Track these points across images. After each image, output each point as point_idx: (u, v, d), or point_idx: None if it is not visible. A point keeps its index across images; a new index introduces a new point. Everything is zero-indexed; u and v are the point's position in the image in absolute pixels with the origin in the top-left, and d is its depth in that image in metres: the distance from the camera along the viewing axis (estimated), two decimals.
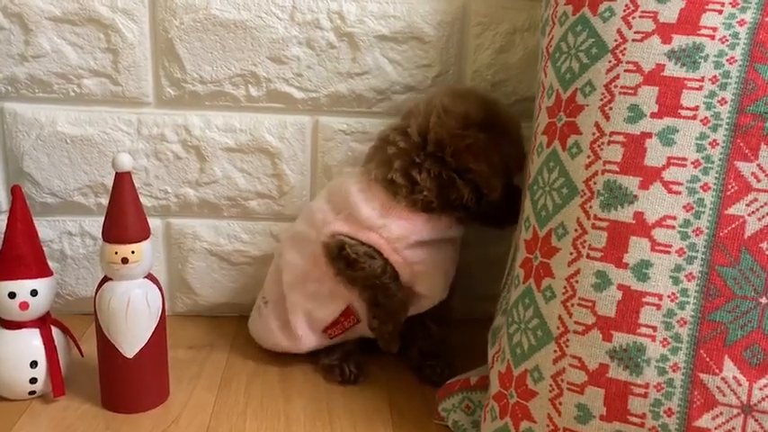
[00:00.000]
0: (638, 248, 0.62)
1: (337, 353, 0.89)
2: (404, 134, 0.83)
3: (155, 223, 0.98)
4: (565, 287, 0.65)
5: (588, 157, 0.66)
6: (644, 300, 0.61)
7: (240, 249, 1.00)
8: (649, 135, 0.63)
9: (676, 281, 0.61)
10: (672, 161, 0.63)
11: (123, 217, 0.76)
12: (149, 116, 0.94)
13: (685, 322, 0.60)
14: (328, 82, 0.94)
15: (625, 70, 0.66)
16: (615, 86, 0.66)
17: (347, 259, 0.82)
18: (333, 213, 0.84)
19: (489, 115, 0.83)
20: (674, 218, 0.62)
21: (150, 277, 0.80)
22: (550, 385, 0.64)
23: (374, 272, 0.82)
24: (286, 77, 0.93)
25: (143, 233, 0.77)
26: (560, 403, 0.64)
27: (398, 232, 0.82)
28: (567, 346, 0.64)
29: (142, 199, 0.94)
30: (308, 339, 0.88)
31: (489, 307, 0.83)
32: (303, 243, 0.87)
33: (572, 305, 0.64)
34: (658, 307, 0.61)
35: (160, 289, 0.80)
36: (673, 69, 0.64)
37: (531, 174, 0.74)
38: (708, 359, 0.59)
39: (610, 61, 0.67)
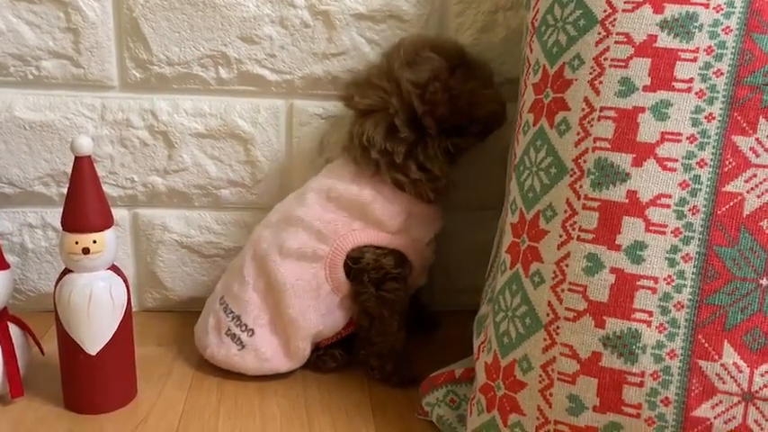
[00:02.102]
0: (631, 229, 0.59)
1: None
2: (387, 131, 0.78)
3: (121, 214, 0.95)
4: (554, 272, 0.62)
5: (578, 134, 0.63)
6: (638, 283, 0.58)
7: (212, 241, 0.96)
8: (642, 109, 0.60)
9: (672, 263, 0.58)
10: (666, 136, 0.60)
11: (83, 204, 0.71)
12: (113, 100, 0.90)
13: (682, 306, 0.57)
14: (303, 63, 0.90)
15: (615, 42, 0.63)
16: (605, 59, 0.63)
17: (377, 276, 0.80)
18: (346, 222, 0.80)
19: (455, 59, 0.81)
20: (670, 196, 0.59)
21: (114, 269, 0.75)
22: (540, 375, 0.61)
23: (403, 284, 0.81)
24: (258, 58, 0.89)
25: (105, 221, 0.72)
26: (551, 394, 0.60)
27: (420, 232, 0.81)
28: (557, 334, 0.61)
29: (107, 188, 0.91)
30: (306, 357, 0.84)
31: (474, 299, 0.80)
32: (308, 259, 0.80)
33: (562, 290, 0.61)
34: (654, 291, 0.58)
35: (125, 281, 0.76)
36: (666, 40, 0.61)
37: (516, 154, 0.71)
38: (706, 345, 0.56)
39: (599, 33, 0.64)
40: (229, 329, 0.82)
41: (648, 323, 0.57)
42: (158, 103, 0.90)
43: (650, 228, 0.58)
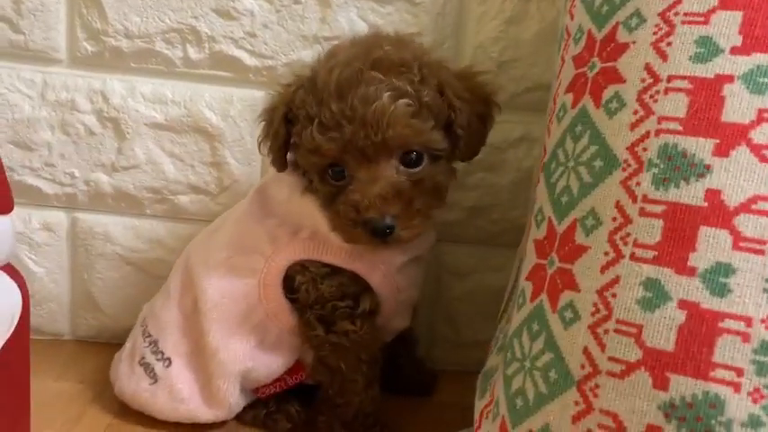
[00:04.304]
0: (712, 245, 0.43)
1: (270, 399, 0.68)
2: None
3: (57, 217, 0.82)
4: (595, 304, 0.46)
5: (635, 112, 0.47)
6: (722, 325, 0.41)
7: (163, 259, 0.82)
8: (729, 78, 0.45)
9: None
10: (765, 115, 0.43)
11: None
12: (58, 76, 0.79)
13: None
14: (289, 46, 0.78)
15: None
16: (676, 14, 0.48)
17: (322, 311, 0.64)
18: (290, 227, 0.65)
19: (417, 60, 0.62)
20: None
21: (8, 269, 0.59)
22: None
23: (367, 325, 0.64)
24: (235, 37, 0.78)
25: None
26: None
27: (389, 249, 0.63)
28: (595, 396, 0.44)
29: (41, 183, 0.82)
30: (237, 406, 0.67)
31: (485, 357, 0.65)
32: (239, 272, 0.66)
33: (605, 332, 0.45)
34: (745, 337, 0.41)
35: (22, 288, 0.59)
36: None
37: (546, 149, 0.54)
38: None
39: None
40: (143, 357, 0.67)
41: (737, 386, 0.40)
42: (111, 84, 0.79)
43: (740, 244, 0.42)
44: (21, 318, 0.59)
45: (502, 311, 0.63)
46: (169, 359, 0.66)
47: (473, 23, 0.77)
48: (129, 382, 0.67)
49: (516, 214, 0.80)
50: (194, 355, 0.66)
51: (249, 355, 0.65)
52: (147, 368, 0.67)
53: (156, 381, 0.66)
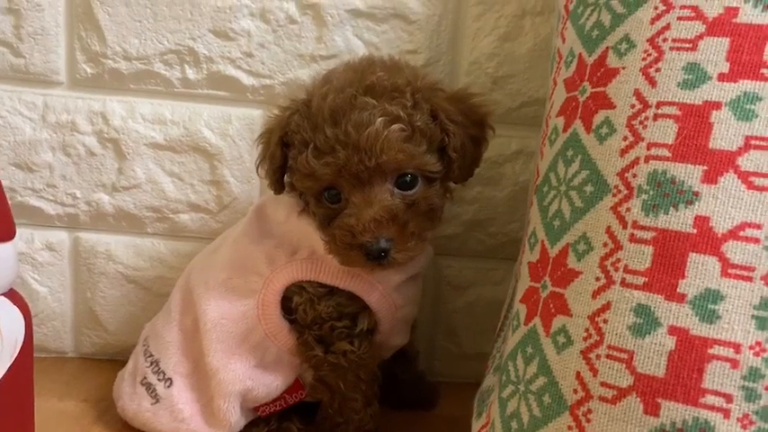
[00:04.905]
0: (701, 272, 0.42)
1: (271, 417, 0.68)
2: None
3: (59, 237, 0.82)
4: (587, 330, 0.46)
5: (625, 138, 0.47)
6: (711, 351, 0.41)
7: (165, 276, 0.82)
8: (717, 105, 0.44)
9: (763, 324, 0.41)
10: (752, 142, 0.43)
11: None
12: (59, 99, 0.79)
13: None
14: (286, 65, 0.78)
15: (678, 18, 0.47)
16: (664, 40, 0.47)
17: (320, 332, 0.63)
18: (288, 248, 0.65)
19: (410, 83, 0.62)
20: (759, 226, 0.42)
21: (12, 296, 0.59)
22: None
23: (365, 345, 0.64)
24: (232, 57, 0.77)
25: None
26: None
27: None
28: (587, 422, 0.44)
29: (43, 204, 0.81)
30: (238, 425, 0.66)
31: (480, 367, 0.65)
32: (238, 293, 0.65)
33: (597, 357, 0.45)
34: (735, 364, 0.41)
35: (24, 312, 0.59)
36: (750, 14, 0.46)
37: (539, 172, 0.54)
38: None
39: (656, 8, 0.48)
40: (145, 377, 0.66)
41: (726, 412, 0.40)
42: (111, 105, 0.79)
43: (729, 271, 0.42)
44: (24, 343, 0.59)
45: (498, 330, 0.63)
46: (170, 379, 0.65)
47: (468, 40, 0.77)
48: (132, 401, 0.67)
49: (514, 227, 0.79)
50: (195, 374, 0.65)
51: (249, 375, 0.64)
52: (149, 388, 0.66)
53: (157, 401, 0.65)
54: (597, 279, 0.45)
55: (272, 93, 0.77)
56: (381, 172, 0.57)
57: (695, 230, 0.42)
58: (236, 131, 0.78)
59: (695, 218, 0.43)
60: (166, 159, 0.79)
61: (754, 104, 0.43)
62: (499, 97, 0.77)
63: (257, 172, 0.65)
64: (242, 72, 0.77)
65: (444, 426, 0.73)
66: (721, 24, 0.45)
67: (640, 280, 0.43)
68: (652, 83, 0.46)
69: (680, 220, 0.43)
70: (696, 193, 0.43)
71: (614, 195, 0.46)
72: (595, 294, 0.45)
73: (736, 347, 0.40)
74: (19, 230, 0.61)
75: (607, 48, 0.49)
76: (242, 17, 0.75)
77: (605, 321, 0.44)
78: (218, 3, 0.75)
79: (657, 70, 0.46)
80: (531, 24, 0.76)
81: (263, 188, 0.79)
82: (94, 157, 0.79)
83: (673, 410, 0.41)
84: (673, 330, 0.42)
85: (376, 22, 0.76)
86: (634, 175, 0.45)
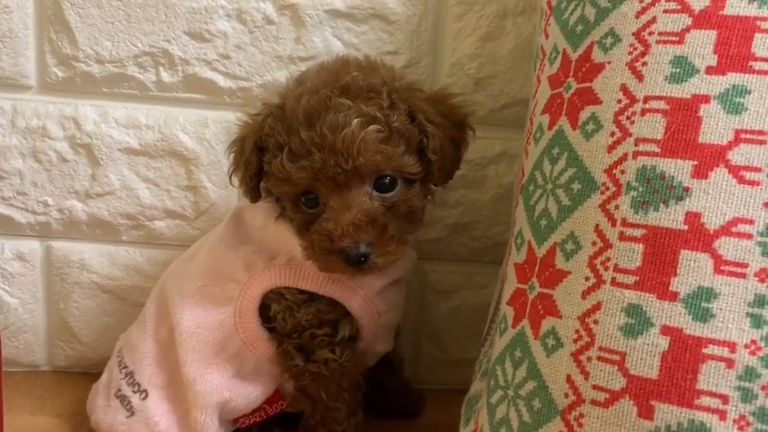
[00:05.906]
0: (693, 269, 0.41)
1: (251, 429, 0.66)
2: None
3: (31, 246, 0.79)
4: (577, 331, 0.44)
5: (612, 134, 0.46)
6: (705, 351, 0.40)
7: (141, 285, 0.80)
8: (705, 99, 0.43)
9: (758, 321, 0.40)
10: (742, 136, 0.42)
11: None
12: (28, 103, 0.77)
13: None
14: (264, 67, 0.76)
15: (665, 11, 0.46)
16: (650, 33, 0.46)
17: (299, 340, 0.62)
18: (266, 254, 0.63)
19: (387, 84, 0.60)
20: (751, 221, 0.41)
21: None
22: None
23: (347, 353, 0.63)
24: (208, 59, 0.75)
25: None
26: None
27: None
28: (580, 426, 0.43)
29: (13, 213, 0.79)
30: None
31: (471, 375, 0.64)
32: (214, 300, 0.64)
33: (588, 359, 0.43)
34: (730, 363, 0.40)
35: None
36: (737, 6, 0.45)
37: (525, 170, 0.53)
38: None
39: (641, 0, 0.47)
40: (120, 389, 0.64)
41: (722, 414, 0.39)
42: (83, 110, 0.77)
43: (722, 268, 0.41)
44: None
45: (485, 334, 0.62)
46: (146, 391, 0.63)
47: (449, 40, 0.76)
48: (106, 415, 0.64)
49: (498, 230, 0.78)
50: (171, 386, 0.63)
51: (226, 386, 0.62)
52: (124, 400, 0.64)
53: (132, 413, 0.63)
54: (586, 279, 0.44)
55: (249, 95, 0.76)
56: (359, 174, 0.55)
57: (686, 227, 0.41)
58: (212, 135, 0.77)
59: (686, 214, 0.42)
60: (141, 165, 0.77)
61: (743, 97, 0.42)
62: (482, 98, 0.76)
63: (230, 181, 0.64)
64: (218, 74, 0.75)
65: None
66: (708, 17, 0.44)
67: (631, 279, 0.42)
68: (639, 77, 0.45)
69: (670, 216, 0.42)
70: (686, 189, 0.42)
71: (602, 193, 0.45)
72: (585, 295, 0.44)
73: (731, 346, 0.39)
74: None
75: (592, 42, 0.48)
76: (218, 18, 0.74)
77: (596, 322, 0.43)
78: (192, 4, 0.73)
79: (644, 64, 0.45)
80: (513, 24, 0.75)
81: (240, 193, 0.78)
82: (67, 164, 0.77)
83: (667, 413, 0.40)
84: (666, 330, 0.41)
85: (356, 23, 0.75)
86: (622, 172, 0.44)
